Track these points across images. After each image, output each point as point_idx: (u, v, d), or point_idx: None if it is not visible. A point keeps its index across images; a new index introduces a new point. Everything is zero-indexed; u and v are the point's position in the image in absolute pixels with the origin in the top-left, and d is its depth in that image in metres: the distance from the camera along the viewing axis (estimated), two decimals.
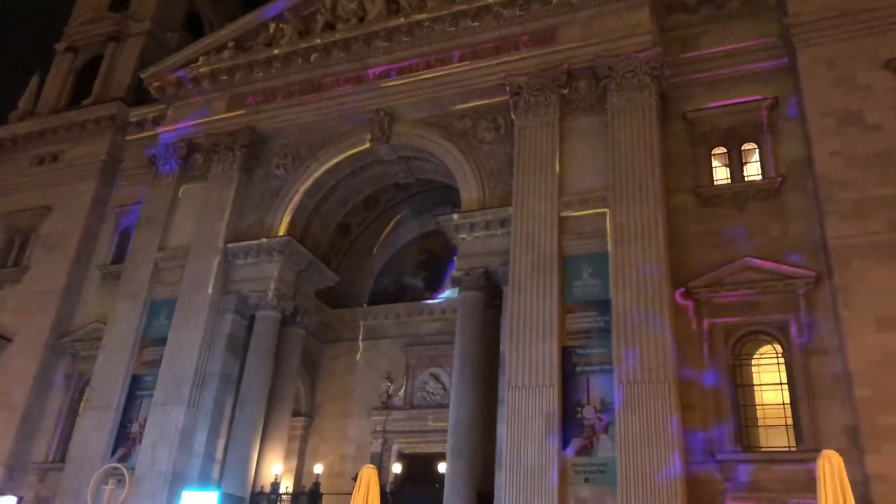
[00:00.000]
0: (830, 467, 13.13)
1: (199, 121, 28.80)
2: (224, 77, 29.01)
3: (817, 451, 15.66)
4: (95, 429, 24.02)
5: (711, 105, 22.27)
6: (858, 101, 19.78)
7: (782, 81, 21.70)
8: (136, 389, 24.62)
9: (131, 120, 32.68)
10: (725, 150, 22.02)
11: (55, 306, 29.25)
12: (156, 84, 30.29)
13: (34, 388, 27.87)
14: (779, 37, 22.01)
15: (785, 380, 18.87)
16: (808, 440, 17.68)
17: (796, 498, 17.10)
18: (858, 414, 16.80)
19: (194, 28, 39.36)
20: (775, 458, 18.00)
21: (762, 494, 17.55)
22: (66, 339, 28.70)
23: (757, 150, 21.69)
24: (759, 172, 21.38)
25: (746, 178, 21.41)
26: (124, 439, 23.91)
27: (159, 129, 30.05)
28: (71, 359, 28.49)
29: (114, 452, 23.58)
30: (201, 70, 29.33)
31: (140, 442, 23.26)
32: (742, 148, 21.88)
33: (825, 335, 18.45)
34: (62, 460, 25.72)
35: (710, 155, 22.07)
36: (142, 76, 31.10)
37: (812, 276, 18.94)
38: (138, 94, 33.29)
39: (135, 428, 23.92)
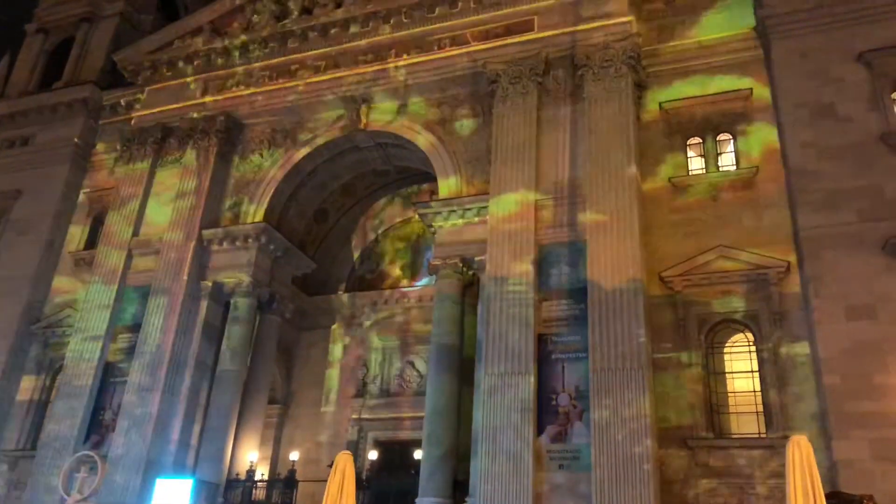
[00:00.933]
0: (800, 452, 13.37)
1: (174, 105, 28.42)
2: (199, 61, 28.64)
3: (787, 437, 15.99)
4: (67, 416, 23.69)
5: (687, 95, 22.42)
6: (831, 94, 20.02)
7: (757, 73, 21.89)
8: (110, 376, 24.35)
9: (104, 103, 32.07)
10: (700, 140, 22.21)
11: (26, 292, 28.75)
12: (130, 67, 29.82)
13: (4, 375, 27.41)
14: (754, 28, 22.19)
15: (756, 368, 19.16)
16: (777, 427, 17.99)
17: (766, 483, 17.45)
18: (827, 401, 17.12)
19: (169, 10, 38.67)
20: (746, 444, 18.29)
21: (733, 480, 17.85)
22: (38, 325, 28.26)
23: (731, 141, 21.90)
24: (734, 163, 21.60)
25: (721, 169, 21.62)
26: (97, 426, 23.67)
27: (133, 113, 29.64)
28: (42, 345, 28.06)
29: (86, 440, 23.32)
30: (176, 53, 28.93)
31: (113, 429, 23.00)
32: (717, 138, 22.09)
33: (796, 324, 18.74)
34: (33, 448, 25.38)
35: (686, 144, 22.25)
36: (115, 59, 30.56)
37: (784, 266, 19.20)
38: (112, 77, 32.65)
39: (108, 415, 23.67)
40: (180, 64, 28.89)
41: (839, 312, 17.65)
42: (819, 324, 17.83)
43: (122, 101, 31.40)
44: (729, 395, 19.32)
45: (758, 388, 18.91)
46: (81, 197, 30.91)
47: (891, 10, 20.34)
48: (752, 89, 21.75)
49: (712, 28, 22.95)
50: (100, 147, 31.79)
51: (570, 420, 18.60)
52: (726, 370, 19.63)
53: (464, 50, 24.47)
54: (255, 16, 28.24)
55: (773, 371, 18.60)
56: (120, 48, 31.25)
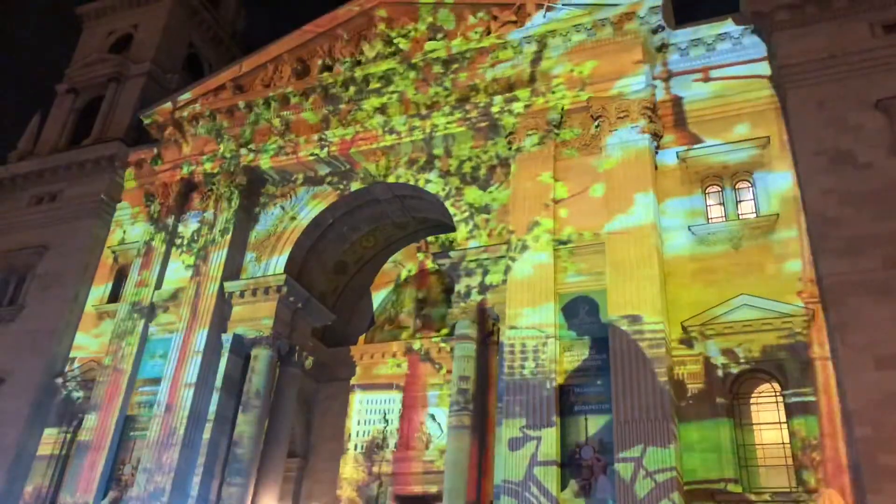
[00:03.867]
0: None
1: (198, 160, 29.06)
2: (222, 117, 29.33)
3: (818, 491, 15.53)
4: (87, 470, 23.67)
5: (704, 144, 22.52)
6: (850, 141, 19.97)
7: (774, 121, 21.96)
8: (130, 430, 24.41)
9: (130, 160, 32.84)
10: (719, 189, 22.21)
11: (50, 346, 29.02)
12: (155, 124, 30.61)
13: (26, 428, 27.48)
14: (770, 78, 22.37)
15: (784, 419, 18.72)
16: (808, 480, 17.47)
17: None
18: (859, 453, 16.62)
19: (194, 69, 39.89)
20: (777, 498, 17.73)
21: None
22: (60, 378, 28.42)
23: (751, 189, 21.88)
24: (754, 210, 21.52)
25: (741, 216, 21.54)
26: (116, 481, 23.58)
27: (158, 169, 30.30)
28: (64, 399, 28.15)
29: (105, 495, 23.20)
30: (200, 110, 29.69)
31: (132, 484, 22.92)
32: (736, 186, 22.07)
33: (824, 373, 18.35)
34: (53, 502, 25.25)
35: (705, 193, 22.25)
36: (141, 116, 31.41)
37: (809, 314, 18.93)
38: (138, 134, 33.53)
39: (127, 469, 23.63)
40: (203, 121, 29.62)
41: (867, 362, 17.24)
42: (847, 374, 17.43)
43: (148, 158, 32.11)
44: (757, 447, 18.83)
45: (787, 439, 18.42)
46: (106, 251, 31.41)
47: None
48: (769, 137, 21.80)
49: (728, 78, 23.15)
50: (125, 202, 32.42)
51: (594, 473, 18.23)
52: (753, 421, 19.19)
53: (481, 103, 24.86)
54: (277, 74, 28.95)
55: (802, 422, 18.14)
56: (146, 106, 32.17)
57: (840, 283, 18.33)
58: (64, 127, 36.37)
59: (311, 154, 27.03)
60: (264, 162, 27.84)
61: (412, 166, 25.74)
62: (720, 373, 19.39)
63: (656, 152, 22.49)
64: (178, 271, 27.11)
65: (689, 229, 21.43)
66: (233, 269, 26.37)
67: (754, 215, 21.35)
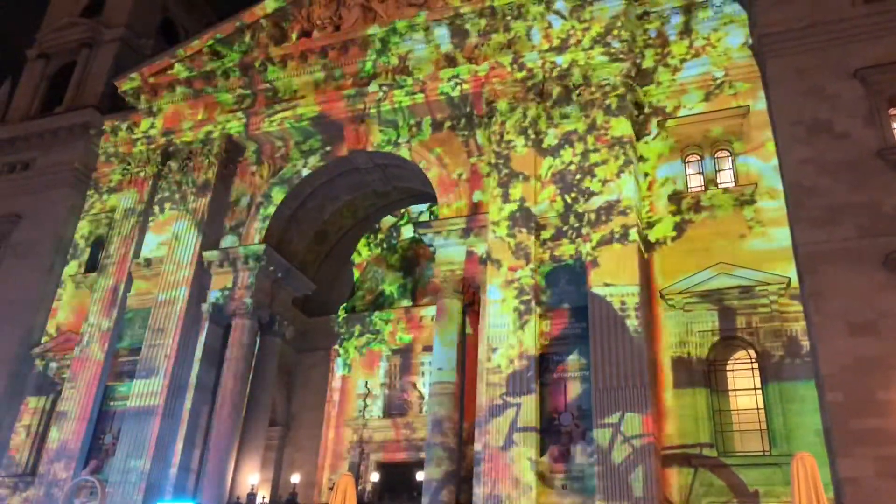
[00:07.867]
0: (804, 469, 13.34)
1: (174, 128, 28.59)
2: (199, 84, 28.83)
3: (791, 454, 15.88)
4: (67, 440, 23.62)
5: (685, 113, 22.55)
6: (827, 110, 20.06)
7: (754, 90, 22.04)
8: (110, 399, 24.33)
9: (105, 127, 32.23)
10: (699, 158, 22.31)
11: (26, 316, 28.68)
12: (130, 91, 30.02)
13: (4, 399, 27.29)
14: (750, 46, 22.38)
15: (759, 385, 19.08)
16: (781, 444, 17.88)
17: (772, 501, 17.30)
18: (831, 418, 16.99)
19: (169, 35, 39.04)
20: (751, 461, 18.16)
21: (738, 498, 17.70)
22: (38, 349, 28.18)
23: (730, 158, 22.00)
24: (733, 179, 21.68)
25: (720, 185, 21.69)
26: (97, 450, 23.58)
27: (133, 137, 29.79)
28: (43, 369, 27.95)
29: (86, 464, 23.20)
30: (176, 77, 29.12)
31: (113, 453, 22.92)
32: (716, 155, 22.19)
33: (798, 340, 18.69)
34: (33, 473, 25.22)
35: (685, 162, 22.35)
36: (115, 83, 30.77)
37: (784, 282, 19.20)
38: (112, 101, 32.85)
39: (108, 439, 23.60)
40: (180, 87, 29.09)
41: (841, 329, 17.53)
42: (820, 340, 17.72)
43: (123, 125, 31.51)
44: (732, 412, 19.19)
45: (761, 405, 18.80)
46: (82, 221, 30.96)
47: (885, 27, 20.46)
48: (749, 106, 21.88)
49: (710, 46, 23.13)
50: (100, 171, 31.89)
51: (572, 440, 18.52)
52: (729, 388, 19.53)
53: (462, 72, 24.63)
54: (254, 40, 28.44)
55: (775, 388, 18.51)
56: (120, 72, 31.48)
57: (815, 252, 18.53)
58: (35, 93, 35.52)
59: (289, 121, 26.65)
60: (241, 130, 27.37)
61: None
62: (697, 340, 19.65)
63: (637, 120, 22.49)
64: (155, 240, 26.83)
65: (669, 198, 21.54)
66: (211, 239, 26.12)
67: (733, 184, 21.50)
